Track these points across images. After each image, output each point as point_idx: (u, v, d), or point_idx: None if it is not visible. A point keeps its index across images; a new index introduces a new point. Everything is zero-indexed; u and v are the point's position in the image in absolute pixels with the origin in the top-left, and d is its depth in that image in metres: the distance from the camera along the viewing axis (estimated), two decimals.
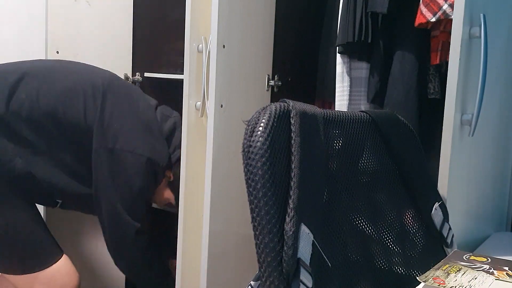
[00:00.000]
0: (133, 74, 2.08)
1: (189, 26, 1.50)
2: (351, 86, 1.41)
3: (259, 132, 0.67)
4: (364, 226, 0.86)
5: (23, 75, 1.50)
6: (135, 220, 1.56)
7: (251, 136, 0.67)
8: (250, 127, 0.68)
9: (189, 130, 1.52)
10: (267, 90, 1.57)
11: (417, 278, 0.76)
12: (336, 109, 1.42)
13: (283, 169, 0.68)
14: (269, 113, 0.69)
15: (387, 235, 0.90)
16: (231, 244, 1.46)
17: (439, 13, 1.15)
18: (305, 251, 0.66)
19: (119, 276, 2.03)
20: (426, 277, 0.75)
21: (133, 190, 1.55)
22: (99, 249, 1.97)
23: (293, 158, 0.69)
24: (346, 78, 1.41)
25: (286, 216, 0.66)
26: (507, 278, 0.76)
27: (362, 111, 0.94)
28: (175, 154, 1.64)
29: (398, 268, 0.90)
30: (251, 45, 1.47)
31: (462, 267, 0.79)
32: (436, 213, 0.97)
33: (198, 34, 1.51)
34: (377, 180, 0.92)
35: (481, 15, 0.98)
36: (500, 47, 1.17)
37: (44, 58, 1.79)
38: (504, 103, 1.26)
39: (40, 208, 1.64)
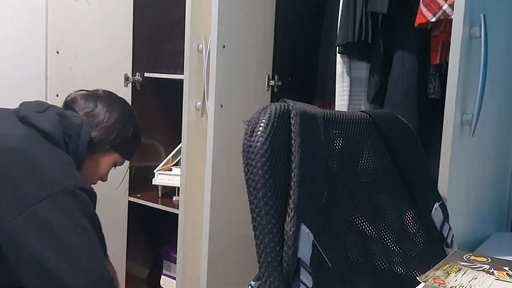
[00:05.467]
0: (133, 74, 2.08)
1: (189, 26, 1.50)
2: (351, 86, 1.41)
3: (259, 132, 0.67)
4: (364, 226, 0.86)
5: None
6: None
7: (251, 136, 0.67)
8: (250, 127, 0.68)
9: (189, 130, 1.53)
10: (267, 90, 1.57)
11: (417, 278, 0.76)
12: (336, 109, 1.42)
13: (283, 169, 0.68)
14: (269, 113, 0.69)
15: (387, 235, 0.90)
16: (231, 244, 1.46)
17: (439, 13, 1.15)
18: (305, 251, 0.66)
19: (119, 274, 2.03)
20: (426, 277, 0.75)
21: None
22: None
23: (293, 158, 0.69)
24: (346, 78, 1.41)
25: (286, 216, 0.66)
26: (507, 278, 0.76)
27: (362, 111, 0.94)
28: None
29: (398, 268, 0.90)
30: (251, 45, 1.47)
31: (462, 267, 0.79)
32: (436, 213, 0.97)
33: (198, 34, 1.51)
34: (377, 180, 0.92)
35: (481, 15, 0.98)
36: (500, 47, 1.17)
37: (44, 58, 1.79)
38: (504, 103, 1.26)
39: None
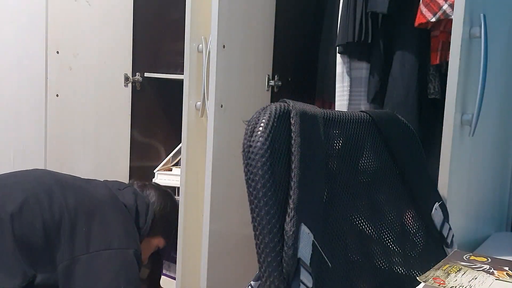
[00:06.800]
0: (133, 74, 2.08)
1: (189, 26, 1.50)
2: (351, 86, 1.41)
3: (259, 132, 0.67)
4: (364, 226, 0.86)
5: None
6: None
7: (251, 136, 0.67)
8: (250, 127, 0.68)
9: (189, 130, 1.52)
10: (267, 90, 1.57)
11: (417, 278, 0.76)
12: (336, 109, 1.42)
13: (283, 169, 0.68)
14: (269, 113, 0.69)
15: (387, 235, 0.90)
16: (231, 244, 1.46)
17: (439, 13, 1.15)
18: (305, 251, 0.66)
19: None
20: (426, 277, 0.75)
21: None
22: None
23: (293, 158, 0.69)
24: (346, 78, 1.41)
25: (286, 216, 0.66)
26: (507, 278, 0.76)
27: (362, 111, 0.94)
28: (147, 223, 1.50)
29: (398, 268, 0.90)
30: (251, 45, 1.47)
31: (462, 267, 0.79)
32: (436, 213, 0.97)
33: (198, 34, 1.51)
34: (377, 180, 0.92)
35: (481, 15, 0.98)
36: (500, 47, 1.17)
37: (44, 59, 1.80)
38: (504, 103, 1.25)
39: None
